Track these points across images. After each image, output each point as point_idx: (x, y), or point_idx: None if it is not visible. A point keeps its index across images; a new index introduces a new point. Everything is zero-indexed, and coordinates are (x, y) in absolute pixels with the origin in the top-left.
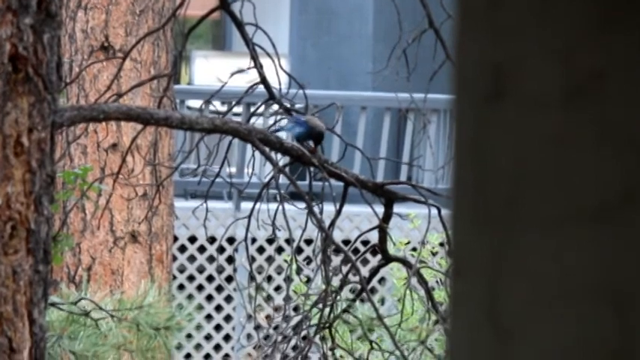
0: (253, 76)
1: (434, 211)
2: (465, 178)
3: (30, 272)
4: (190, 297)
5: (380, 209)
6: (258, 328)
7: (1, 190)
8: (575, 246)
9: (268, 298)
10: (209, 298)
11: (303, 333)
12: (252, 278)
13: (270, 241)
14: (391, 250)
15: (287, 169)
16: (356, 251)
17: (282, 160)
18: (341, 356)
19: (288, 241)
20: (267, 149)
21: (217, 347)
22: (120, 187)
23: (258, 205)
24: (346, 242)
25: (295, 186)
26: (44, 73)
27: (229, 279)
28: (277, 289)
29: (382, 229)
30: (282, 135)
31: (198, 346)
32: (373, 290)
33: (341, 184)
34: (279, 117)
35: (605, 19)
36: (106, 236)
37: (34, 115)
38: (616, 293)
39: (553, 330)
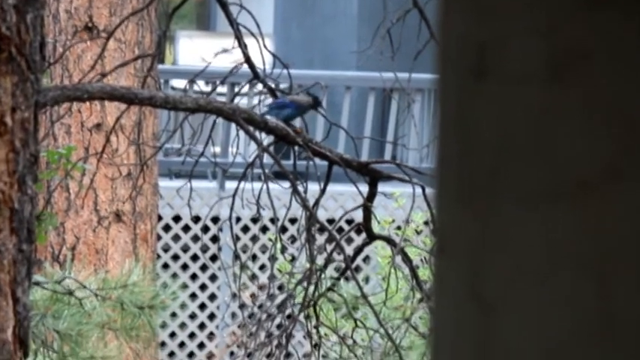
0: (237, 56)
1: (418, 189)
2: (449, 154)
3: (14, 251)
4: (175, 276)
5: (364, 188)
6: (242, 306)
7: None
8: (559, 219)
9: (253, 277)
10: (193, 277)
11: (288, 311)
12: (236, 257)
13: (254, 220)
14: (376, 228)
15: (271, 149)
16: (340, 230)
17: (266, 139)
18: (325, 334)
19: (273, 220)
20: (251, 128)
21: (202, 326)
22: (104, 167)
23: (242, 184)
24: (331, 221)
25: (279, 165)
26: (27, 53)
27: (214, 258)
28: (262, 267)
29: (367, 208)
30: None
31: (182, 325)
32: (357, 269)
33: (325, 163)
34: (263, 97)
35: None
36: (90, 216)
37: (18, 95)
38: (599, 266)
39: (536, 303)
